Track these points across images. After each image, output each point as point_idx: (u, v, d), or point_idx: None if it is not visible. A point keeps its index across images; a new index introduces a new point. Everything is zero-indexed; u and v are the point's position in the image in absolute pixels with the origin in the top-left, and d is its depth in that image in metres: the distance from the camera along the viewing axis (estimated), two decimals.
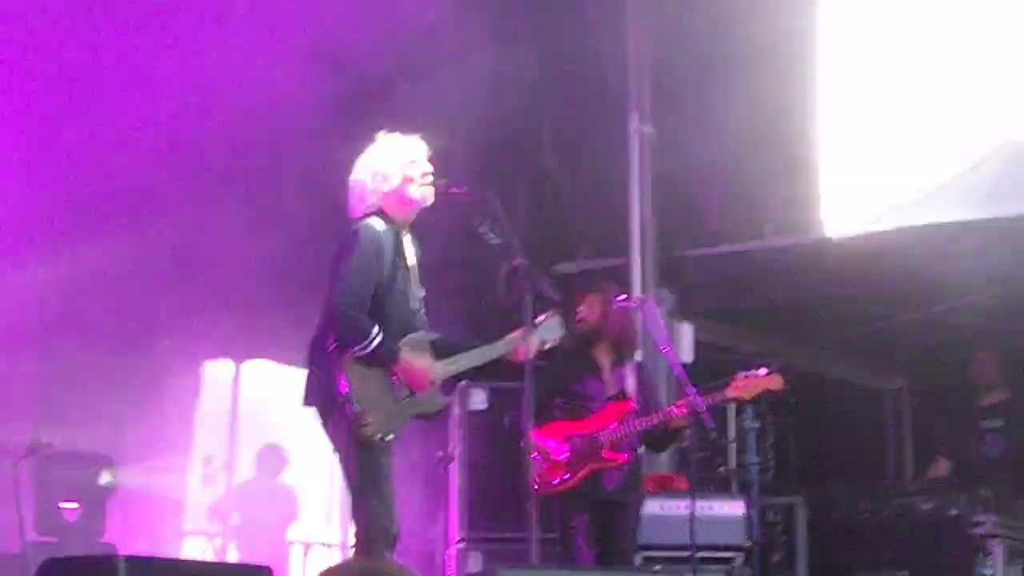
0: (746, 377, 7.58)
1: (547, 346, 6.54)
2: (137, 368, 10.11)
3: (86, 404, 9.63)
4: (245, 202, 10.10)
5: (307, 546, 11.27)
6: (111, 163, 9.51)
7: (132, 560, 4.53)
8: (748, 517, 8.88)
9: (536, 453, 7.18)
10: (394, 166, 6.25)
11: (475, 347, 6.35)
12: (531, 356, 6.25)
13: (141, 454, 9.80)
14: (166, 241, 10.07)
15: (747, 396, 7.71)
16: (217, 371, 11.51)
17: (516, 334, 6.30)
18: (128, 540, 8.96)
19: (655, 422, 7.53)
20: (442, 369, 6.22)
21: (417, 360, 6.11)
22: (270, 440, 11.46)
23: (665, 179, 10.48)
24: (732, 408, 10.34)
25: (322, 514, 11.32)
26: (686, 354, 10.14)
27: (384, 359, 6.00)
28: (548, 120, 11.21)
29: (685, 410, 7.43)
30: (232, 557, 10.93)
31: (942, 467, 10.22)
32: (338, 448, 6.01)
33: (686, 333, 10.32)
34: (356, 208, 6.30)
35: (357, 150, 6.42)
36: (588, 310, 7.77)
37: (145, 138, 9.67)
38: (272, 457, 11.44)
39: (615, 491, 7.58)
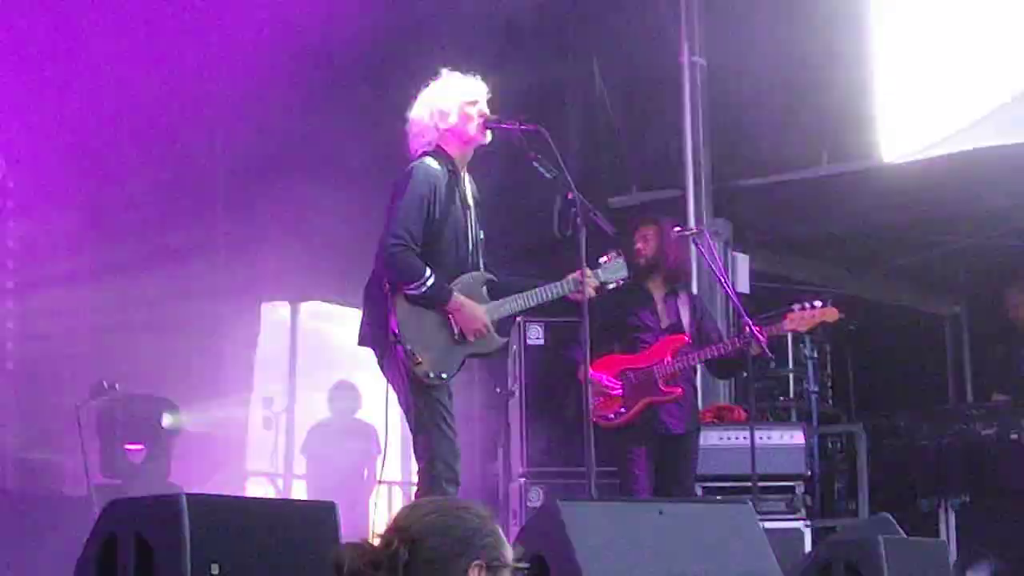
0: (802, 309, 7.54)
1: (610, 287, 6.53)
2: (196, 311, 10.15)
3: (147, 347, 9.70)
4: (301, 142, 10.12)
5: (373, 484, 11.27)
6: (171, 117, 9.61)
7: (195, 499, 4.56)
8: (808, 446, 8.88)
9: (592, 386, 7.20)
10: (454, 104, 6.23)
11: (534, 287, 6.34)
12: (591, 296, 6.25)
13: (202, 396, 9.87)
14: (222, 184, 10.12)
15: (803, 329, 7.69)
16: (275, 312, 11.56)
17: (576, 274, 6.28)
18: (193, 481, 9.02)
19: (720, 352, 7.53)
20: (500, 309, 6.22)
21: (470, 303, 6.11)
22: (339, 378, 11.40)
23: (718, 109, 10.40)
24: (790, 337, 10.32)
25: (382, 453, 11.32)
26: (742, 284, 10.10)
27: (436, 299, 6.00)
28: (599, 51, 11.13)
29: (764, 336, 7.39)
30: (306, 495, 11.05)
31: (999, 399, 10.18)
32: (396, 387, 6.04)
33: (742, 263, 10.29)
34: (414, 144, 6.28)
35: (410, 88, 6.40)
36: (644, 243, 7.75)
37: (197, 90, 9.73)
38: (346, 394, 11.34)
39: (672, 424, 7.59)
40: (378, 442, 10.97)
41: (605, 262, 6.46)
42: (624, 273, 6.56)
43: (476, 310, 6.11)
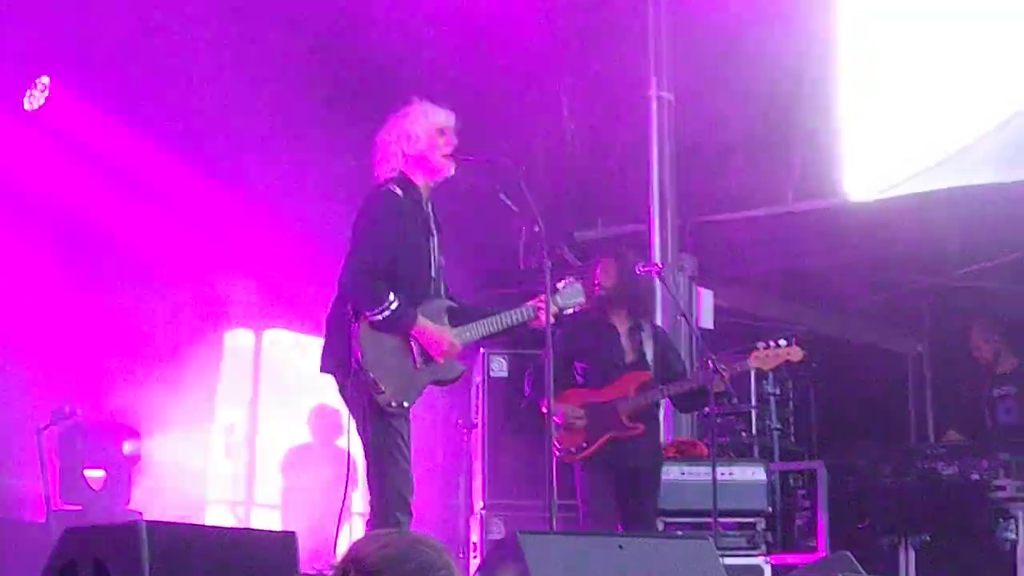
0: (766, 348, 7.59)
1: (567, 312, 6.56)
2: (159, 338, 10.13)
3: (108, 374, 9.66)
4: (263, 171, 10.11)
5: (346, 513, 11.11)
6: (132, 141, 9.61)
7: (154, 526, 4.56)
8: (769, 482, 8.91)
9: (555, 418, 7.23)
10: (422, 131, 6.27)
11: (494, 314, 6.37)
12: (551, 323, 6.27)
13: (163, 423, 9.83)
14: (184, 212, 10.10)
15: (766, 367, 7.75)
16: (238, 340, 11.52)
17: (535, 301, 6.32)
18: (153, 508, 8.98)
19: (683, 389, 7.56)
20: (462, 336, 6.24)
21: (434, 324, 6.13)
22: (308, 405, 11.32)
23: (685, 144, 10.44)
24: (753, 373, 10.35)
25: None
26: (706, 320, 10.12)
27: (399, 325, 6.02)
28: (567, 85, 11.18)
29: (726, 374, 7.42)
30: (280, 519, 11.02)
31: (953, 439, 10.25)
32: (355, 415, 6.05)
33: (706, 299, 10.31)
34: (380, 168, 6.31)
35: (375, 117, 6.44)
36: (604, 275, 7.79)
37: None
38: (325, 419, 11.24)
39: (634, 458, 7.61)
40: (354, 469, 10.88)
41: (563, 287, 6.50)
42: (581, 299, 6.61)
43: (441, 331, 6.14)
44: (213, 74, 9.69)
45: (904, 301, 11.93)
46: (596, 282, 7.73)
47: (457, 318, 6.28)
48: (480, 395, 9.35)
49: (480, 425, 9.31)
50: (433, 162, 6.27)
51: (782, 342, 7.65)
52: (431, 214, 6.35)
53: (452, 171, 6.32)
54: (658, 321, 8.63)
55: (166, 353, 10.18)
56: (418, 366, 6.09)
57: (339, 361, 6.03)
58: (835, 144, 10.20)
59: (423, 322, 6.08)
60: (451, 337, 6.16)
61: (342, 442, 10.88)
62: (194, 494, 10.56)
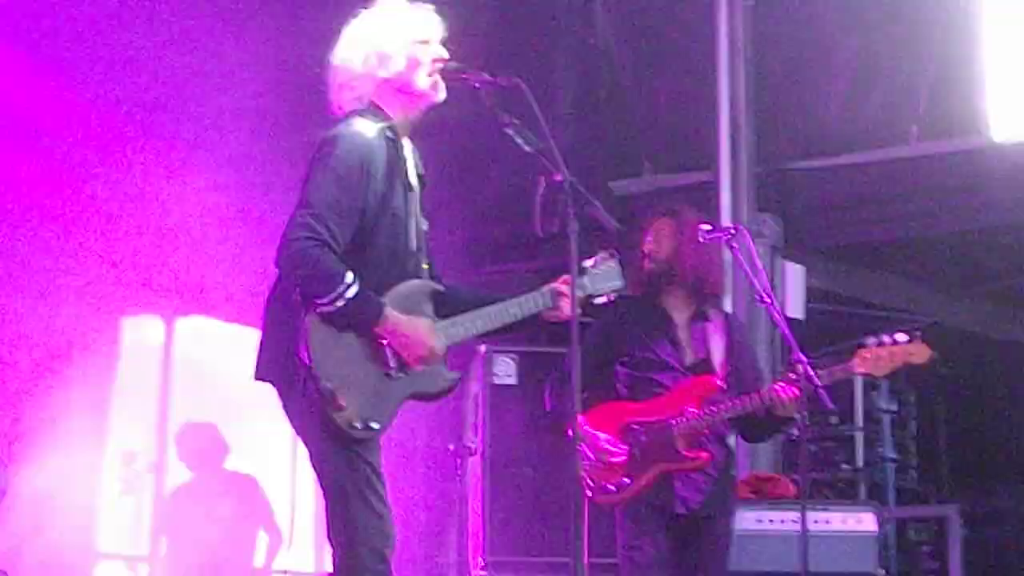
0: (878, 345, 7.52)
1: (598, 300, 6.51)
2: (31, 330, 10.13)
3: None
4: (175, 91, 10.12)
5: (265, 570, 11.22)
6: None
7: None
8: (882, 534, 8.90)
9: (586, 446, 7.18)
10: (398, 45, 6.20)
11: (498, 301, 6.31)
12: (576, 313, 6.20)
13: (36, 446, 9.84)
14: (68, 152, 10.10)
15: (879, 373, 7.67)
16: (141, 332, 11.53)
17: (556, 284, 6.27)
18: (20, 564, 9.01)
19: (753, 405, 7.49)
20: (452, 332, 6.18)
21: (411, 320, 6.07)
22: (211, 419, 11.33)
23: (767, 63, 10.42)
24: (860, 383, 10.34)
25: (285, 530, 11.22)
26: (795, 307, 10.13)
27: (363, 317, 5.94)
28: None
29: (797, 391, 7.36)
30: None
31: None
32: (306, 440, 5.99)
33: (795, 277, 10.31)
34: (341, 100, 6.26)
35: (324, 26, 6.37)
36: (656, 243, 7.74)
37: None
38: (201, 436, 11.28)
39: (694, 500, 7.57)
40: (263, 500, 10.90)
41: (592, 267, 6.45)
42: (619, 282, 6.56)
43: (419, 329, 6.07)
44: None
45: None
46: (644, 253, 7.68)
47: (445, 307, 6.23)
48: (480, 410, 9.35)
49: (479, 451, 9.32)
50: (414, 86, 6.22)
51: (900, 337, 7.58)
52: (412, 159, 6.29)
53: (441, 97, 6.25)
54: (728, 307, 8.59)
55: (41, 349, 10.18)
56: (391, 372, 6.03)
57: (281, 366, 5.96)
58: (975, 66, 10.17)
59: (393, 315, 6.00)
60: (432, 339, 6.08)
61: (231, 465, 11.09)
62: (79, 543, 10.60)
